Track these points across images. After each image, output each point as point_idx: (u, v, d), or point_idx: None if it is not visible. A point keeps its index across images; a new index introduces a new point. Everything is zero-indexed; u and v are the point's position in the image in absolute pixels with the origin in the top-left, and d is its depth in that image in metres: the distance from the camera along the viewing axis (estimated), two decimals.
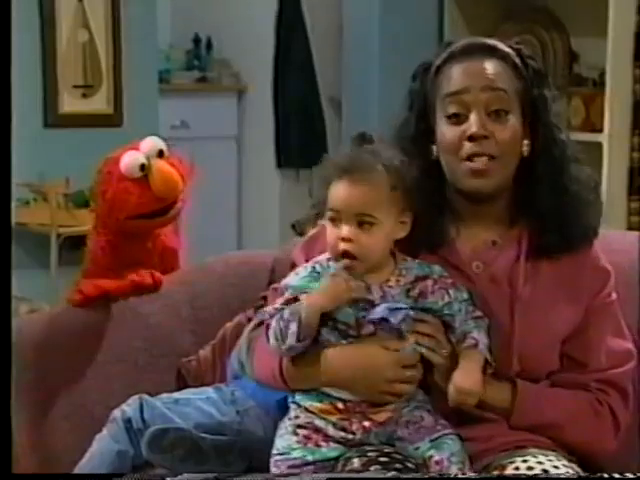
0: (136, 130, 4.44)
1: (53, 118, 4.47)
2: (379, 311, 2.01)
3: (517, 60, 2.10)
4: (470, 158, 2.06)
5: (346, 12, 5.16)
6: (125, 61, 4.58)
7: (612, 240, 2.32)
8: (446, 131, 2.08)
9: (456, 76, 2.09)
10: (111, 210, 2.57)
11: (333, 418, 2.03)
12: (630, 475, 1.89)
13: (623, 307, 2.24)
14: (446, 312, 2.04)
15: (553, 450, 2.06)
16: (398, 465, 1.95)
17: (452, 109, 2.07)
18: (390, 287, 2.03)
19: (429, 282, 2.05)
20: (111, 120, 4.51)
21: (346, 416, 2.03)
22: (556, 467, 1.97)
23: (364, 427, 2.02)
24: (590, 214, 2.13)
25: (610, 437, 2.15)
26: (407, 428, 2.02)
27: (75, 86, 4.51)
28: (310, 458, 2.02)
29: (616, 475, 1.89)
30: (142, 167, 2.55)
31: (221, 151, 5.87)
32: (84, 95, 4.53)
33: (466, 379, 1.98)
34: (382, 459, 1.96)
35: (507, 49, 2.11)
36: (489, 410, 2.08)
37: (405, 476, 1.93)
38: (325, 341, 2.04)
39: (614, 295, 2.18)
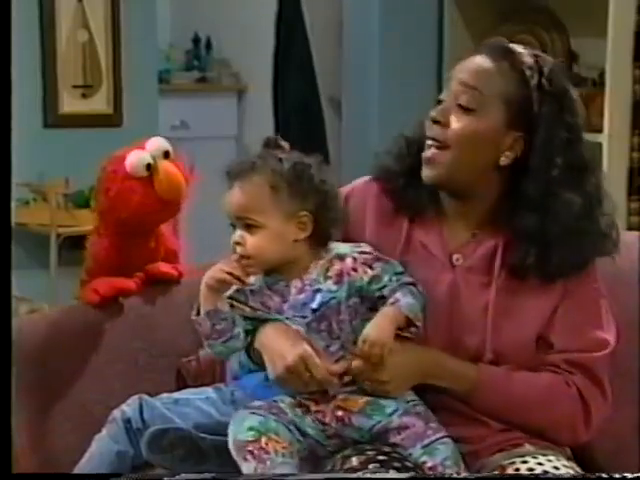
0: (136, 130, 4.45)
1: (53, 118, 4.47)
2: (297, 302, 2.08)
3: (529, 72, 2.08)
4: (427, 144, 2.11)
5: (346, 11, 5.16)
6: (125, 61, 4.59)
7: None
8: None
9: (459, 64, 2.14)
10: (113, 208, 2.57)
11: (313, 408, 2.06)
12: (629, 475, 1.89)
13: (623, 307, 2.25)
14: (374, 287, 2.08)
15: (549, 448, 2.07)
16: (396, 464, 1.96)
17: (441, 95, 2.13)
18: (309, 273, 2.09)
19: (348, 260, 2.09)
20: (111, 120, 4.52)
21: (321, 408, 2.06)
22: (556, 468, 1.99)
23: (337, 417, 2.05)
24: (583, 245, 2.11)
25: (580, 424, 2.13)
26: (399, 434, 2.03)
27: (75, 86, 4.52)
28: (290, 415, 2.06)
29: (616, 475, 1.89)
30: (148, 167, 2.55)
31: (221, 151, 5.85)
32: (84, 95, 4.54)
33: (373, 330, 2.02)
34: (380, 457, 1.97)
35: (528, 59, 2.10)
36: (452, 391, 2.09)
37: (405, 476, 1.93)
38: None
39: (597, 285, 2.16)
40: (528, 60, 2.10)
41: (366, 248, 2.12)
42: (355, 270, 2.08)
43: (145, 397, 2.48)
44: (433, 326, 2.09)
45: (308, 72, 5.77)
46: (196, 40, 6.21)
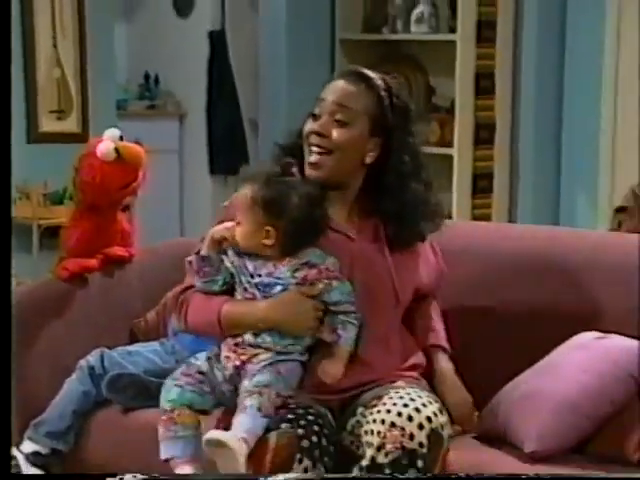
0: None
1: (34, 136, 4.38)
2: (259, 280, 2.02)
3: (383, 93, 2.08)
4: (311, 150, 2.06)
5: (261, 56, 5.18)
6: (91, 93, 4.51)
7: (461, 228, 2.38)
8: (306, 125, 2.09)
9: (327, 88, 2.10)
10: (103, 189, 2.57)
11: (224, 354, 2.03)
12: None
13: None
14: (322, 298, 2.01)
15: (415, 384, 2.07)
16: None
17: (315, 110, 2.08)
18: (282, 265, 2.02)
19: (314, 271, 2.01)
20: (80, 138, 4.40)
21: (229, 354, 2.02)
22: (420, 396, 1.96)
23: (235, 365, 2.01)
24: (424, 222, 2.12)
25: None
26: None
27: (51, 111, 4.44)
28: (204, 369, 2.03)
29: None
30: (116, 150, 2.56)
31: (166, 162, 5.81)
32: (59, 118, 4.46)
33: (330, 368, 1.99)
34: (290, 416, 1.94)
35: (379, 82, 2.09)
36: None
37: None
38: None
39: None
40: (380, 83, 2.09)
41: (335, 265, 2.02)
42: (318, 279, 2.00)
43: (105, 350, 2.48)
44: (356, 287, 2.05)
45: (233, 101, 5.76)
46: (147, 76, 6.14)
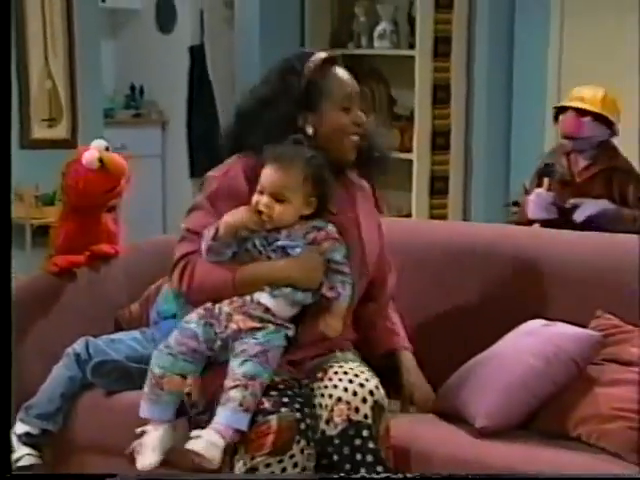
0: None
1: (27, 142, 4.37)
2: (282, 243, 2.01)
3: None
4: (349, 137, 2.09)
5: (237, 68, 5.17)
6: (80, 102, 4.50)
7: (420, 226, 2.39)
8: (339, 117, 2.08)
9: (345, 81, 2.11)
10: (86, 194, 2.56)
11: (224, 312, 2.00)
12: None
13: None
14: (328, 256, 2.02)
15: (351, 354, 2.09)
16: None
17: (346, 104, 2.09)
18: (295, 231, 2.01)
19: (322, 233, 2.02)
20: (69, 144, 4.39)
21: (219, 319, 2.00)
22: (362, 371, 1.99)
23: (233, 329, 1.98)
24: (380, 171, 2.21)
25: None
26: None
27: (43, 119, 4.42)
28: (197, 330, 1.98)
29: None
30: (100, 159, 2.54)
31: (150, 166, 5.80)
32: (49, 126, 4.44)
33: (332, 322, 2.01)
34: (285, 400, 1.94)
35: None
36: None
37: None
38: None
39: None
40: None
41: (334, 229, 2.05)
42: (325, 240, 2.02)
43: (90, 338, 2.46)
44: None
45: (211, 109, 5.74)
46: (132, 87, 6.12)
